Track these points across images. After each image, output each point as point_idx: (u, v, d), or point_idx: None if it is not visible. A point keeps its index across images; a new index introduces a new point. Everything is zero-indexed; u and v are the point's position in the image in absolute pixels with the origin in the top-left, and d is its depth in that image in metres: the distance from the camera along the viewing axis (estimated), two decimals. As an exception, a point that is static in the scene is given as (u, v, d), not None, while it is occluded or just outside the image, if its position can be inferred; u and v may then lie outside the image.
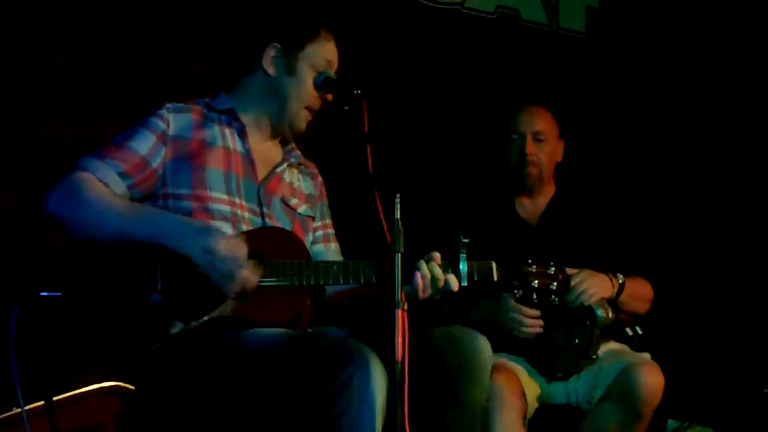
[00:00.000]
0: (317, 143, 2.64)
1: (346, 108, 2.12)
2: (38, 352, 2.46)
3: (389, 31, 3.59)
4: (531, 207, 3.08)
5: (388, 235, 1.87)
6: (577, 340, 2.72)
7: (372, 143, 1.98)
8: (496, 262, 2.25)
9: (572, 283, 2.64)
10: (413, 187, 2.01)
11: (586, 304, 2.65)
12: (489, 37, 3.84)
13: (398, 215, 1.87)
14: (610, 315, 2.68)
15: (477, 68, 3.79)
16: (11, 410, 2.46)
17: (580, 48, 4.08)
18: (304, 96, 2.30)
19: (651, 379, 2.59)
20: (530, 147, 3.01)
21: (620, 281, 2.76)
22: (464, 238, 2.18)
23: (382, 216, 1.88)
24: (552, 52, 3.99)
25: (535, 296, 2.40)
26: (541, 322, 2.71)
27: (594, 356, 2.71)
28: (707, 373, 3.59)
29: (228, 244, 1.98)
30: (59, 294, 2.03)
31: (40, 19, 2.89)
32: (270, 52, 2.31)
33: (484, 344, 2.12)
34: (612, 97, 4.01)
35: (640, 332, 2.85)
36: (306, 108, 2.32)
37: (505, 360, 2.75)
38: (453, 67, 3.73)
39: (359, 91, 2.11)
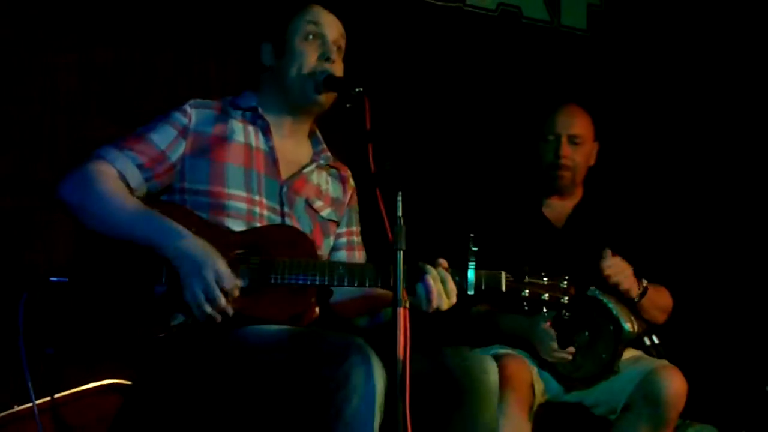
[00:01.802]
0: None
1: (348, 106, 2.13)
2: (43, 337, 2.46)
3: (391, 28, 3.58)
4: (559, 209, 3.05)
5: (390, 233, 1.86)
6: (602, 352, 2.70)
7: (374, 141, 1.98)
8: (506, 271, 2.17)
9: (603, 264, 2.63)
10: (416, 187, 1.99)
11: (617, 286, 2.63)
12: (490, 34, 3.83)
13: (400, 213, 1.86)
14: (636, 329, 2.67)
15: (479, 66, 3.79)
16: (12, 407, 2.46)
17: (581, 46, 4.07)
18: (303, 64, 2.27)
19: (675, 383, 2.59)
20: (565, 150, 2.96)
21: (644, 285, 2.76)
22: (474, 246, 2.12)
23: (384, 214, 1.87)
24: (554, 49, 3.99)
25: (544, 309, 2.33)
26: (569, 357, 2.69)
27: (617, 369, 2.70)
28: (709, 371, 3.58)
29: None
30: (66, 280, 2.05)
31: (41, 19, 2.89)
32: (265, 50, 2.35)
33: (491, 369, 2.07)
34: (614, 96, 4.00)
35: (656, 341, 2.84)
36: (310, 76, 2.27)
37: (517, 353, 2.73)
38: (455, 65, 3.73)
39: (361, 89, 2.11)
